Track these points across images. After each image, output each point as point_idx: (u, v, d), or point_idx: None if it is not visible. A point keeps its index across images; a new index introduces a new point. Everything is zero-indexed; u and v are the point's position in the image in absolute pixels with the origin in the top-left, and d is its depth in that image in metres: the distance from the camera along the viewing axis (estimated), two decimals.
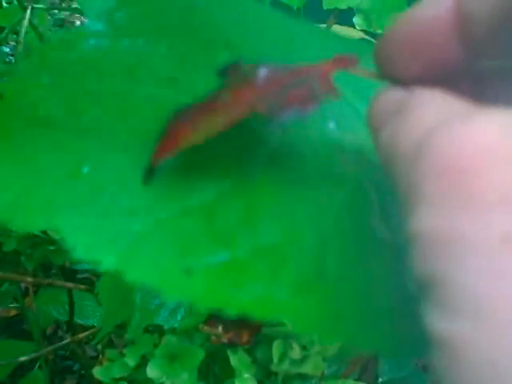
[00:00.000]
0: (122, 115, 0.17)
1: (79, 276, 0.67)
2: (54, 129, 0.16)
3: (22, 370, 0.63)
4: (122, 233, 0.14)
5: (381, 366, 0.55)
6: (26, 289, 0.60)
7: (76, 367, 0.68)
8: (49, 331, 0.70)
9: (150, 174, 0.15)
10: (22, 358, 0.46)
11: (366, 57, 0.15)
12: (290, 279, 0.15)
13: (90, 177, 0.15)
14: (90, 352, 0.65)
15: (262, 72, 0.16)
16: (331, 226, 0.16)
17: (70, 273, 0.65)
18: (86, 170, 0.15)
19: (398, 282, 0.16)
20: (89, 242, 0.14)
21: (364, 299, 0.15)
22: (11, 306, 0.63)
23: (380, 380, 0.55)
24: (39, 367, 0.57)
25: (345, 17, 0.62)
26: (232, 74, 0.17)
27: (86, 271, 0.67)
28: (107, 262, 0.14)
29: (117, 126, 0.16)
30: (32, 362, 0.62)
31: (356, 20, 0.63)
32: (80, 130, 0.16)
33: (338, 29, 0.63)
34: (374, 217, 0.16)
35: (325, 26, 0.61)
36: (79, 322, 0.57)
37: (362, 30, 0.60)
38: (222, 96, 0.15)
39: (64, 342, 0.48)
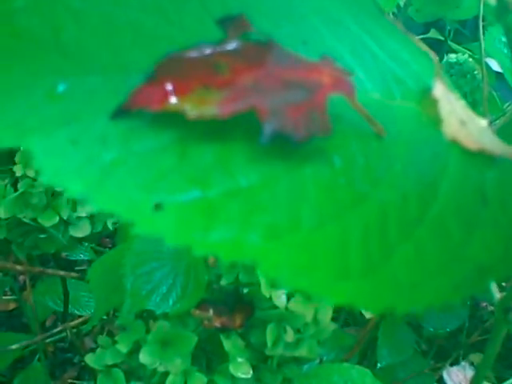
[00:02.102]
0: (105, 38, 0.16)
1: (78, 268, 0.67)
2: (31, 42, 0.15)
3: (23, 362, 0.63)
4: (93, 160, 0.14)
5: (379, 351, 0.54)
6: (24, 282, 0.60)
7: (76, 359, 0.68)
8: (48, 323, 0.70)
9: (121, 113, 0.15)
10: (13, 347, 0.46)
11: None
12: (263, 224, 0.14)
13: (65, 98, 0.15)
14: (90, 343, 0.65)
15: (272, 61, 0.16)
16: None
17: (67, 264, 0.65)
18: (61, 89, 0.15)
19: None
20: (58, 167, 0.14)
21: (338, 251, 0.15)
22: (9, 298, 0.64)
23: (379, 365, 0.54)
24: (38, 359, 0.57)
25: None
26: (233, 29, 0.16)
27: (84, 262, 0.67)
28: (74, 188, 0.13)
29: (98, 49, 0.16)
30: (32, 354, 0.62)
31: None
32: (59, 47, 0.15)
33: None
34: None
35: None
36: (76, 312, 0.57)
37: None
38: (221, 69, 0.15)
39: (55, 330, 0.48)
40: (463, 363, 0.53)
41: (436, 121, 0.19)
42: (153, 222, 0.13)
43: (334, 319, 0.40)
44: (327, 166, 0.15)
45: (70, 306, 0.58)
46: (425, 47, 0.21)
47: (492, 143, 0.20)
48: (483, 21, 0.48)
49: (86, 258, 0.61)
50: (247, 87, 0.15)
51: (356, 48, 0.20)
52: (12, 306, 0.69)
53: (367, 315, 0.51)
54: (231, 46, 0.15)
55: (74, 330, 0.57)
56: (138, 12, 0.16)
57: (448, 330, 0.58)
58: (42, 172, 0.13)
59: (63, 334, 0.58)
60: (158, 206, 0.13)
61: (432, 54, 0.21)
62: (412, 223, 0.16)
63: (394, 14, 0.63)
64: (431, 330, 0.59)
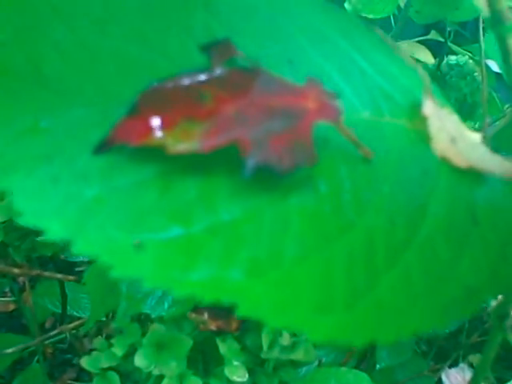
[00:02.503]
0: (88, 69, 0.16)
1: (78, 269, 0.67)
2: (11, 76, 0.15)
3: (22, 364, 0.63)
4: (74, 199, 0.14)
5: (378, 352, 0.54)
6: (24, 283, 0.60)
7: (76, 360, 0.68)
8: (48, 325, 0.70)
9: (103, 148, 0.14)
10: (9, 350, 0.46)
11: None
12: (245, 260, 0.14)
13: (47, 133, 0.14)
14: (90, 345, 0.65)
15: (257, 88, 0.15)
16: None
17: (67, 265, 0.65)
18: (43, 124, 0.14)
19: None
20: (37, 208, 0.13)
21: (322, 284, 0.15)
22: (9, 300, 0.64)
23: (378, 367, 0.54)
24: (37, 361, 0.57)
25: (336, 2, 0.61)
26: (217, 56, 0.16)
27: (84, 263, 0.67)
28: (54, 229, 0.13)
29: (81, 81, 0.15)
30: (31, 356, 0.62)
31: (347, 5, 0.62)
32: (41, 79, 0.15)
33: None
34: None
35: None
36: (76, 314, 0.57)
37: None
38: (205, 98, 0.15)
39: (54, 332, 0.48)
40: (462, 365, 0.53)
41: (425, 138, 0.19)
42: (132, 264, 0.13)
43: None
44: (312, 194, 0.15)
45: (69, 308, 0.58)
46: (412, 62, 0.21)
47: (484, 159, 0.20)
48: (483, 23, 0.47)
49: (85, 260, 0.61)
50: (230, 118, 0.14)
51: (344, 65, 0.20)
52: (12, 307, 0.69)
53: None
54: (215, 73, 0.15)
55: (74, 332, 0.57)
56: (121, 41, 0.16)
57: (447, 331, 0.58)
58: (21, 213, 0.13)
59: (62, 336, 0.58)
60: (138, 246, 0.13)
61: (420, 69, 0.21)
62: (399, 248, 0.16)
63: (394, 15, 0.62)
64: (430, 331, 0.59)
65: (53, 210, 0.13)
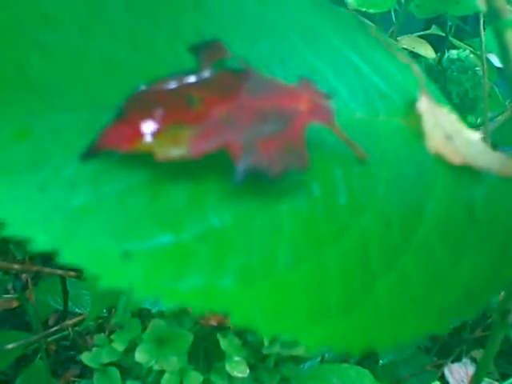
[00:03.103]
0: (74, 73, 0.15)
1: None
2: None
3: (26, 361, 0.63)
4: (61, 207, 0.13)
5: None
6: (27, 280, 0.60)
7: (79, 357, 0.68)
8: (51, 322, 0.70)
9: (90, 154, 0.14)
10: (10, 346, 0.46)
11: None
12: (236, 267, 0.14)
13: (33, 140, 0.14)
14: (93, 342, 0.65)
15: (247, 90, 0.15)
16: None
17: None
18: (30, 130, 0.14)
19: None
20: (24, 218, 0.13)
21: (316, 290, 0.14)
22: (12, 297, 0.64)
23: (381, 362, 0.54)
24: (40, 358, 0.58)
25: None
26: (206, 57, 0.16)
27: None
28: (41, 240, 0.13)
29: (67, 85, 0.15)
30: (34, 353, 0.62)
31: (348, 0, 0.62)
32: (26, 85, 0.15)
33: None
34: None
35: None
36: (78, 311, 0.57)
37: (354, 10, 0.59)
38: (194, 102, 0.14)
39: (54, 329, 0.48)
40: (465, 360, 0.53)
41: (420, 136, 0.19)
42: (120, 274, 0.13)
43: None
44: (305, 198, 0.15)
45: (71, 305, 0.58)
46: (407, 59, 0.20)
47: (481, 156, 0.19)
48: (484, 17, 0.47)
49: None
50: (220, 121, 0.14)
51: (338, 63, 0.19)
52: (15, 304, 0.69)
53: None
54: (204, 75, 0.15)
55: (77, 329, 0.58)
56: (108, 44, 0.15)
57: (451, 326, 0.58)
58: (7, 224, 0.12)
59: (66, 333, 0.59)
60: (126, 255, 0.13)
61: (415, 66, 0.20)
62: (396, 251, 0.16)
63: (395, 10, 0.62)
64: (430, 334, 0.59)
65: (39, 219, 0.13)
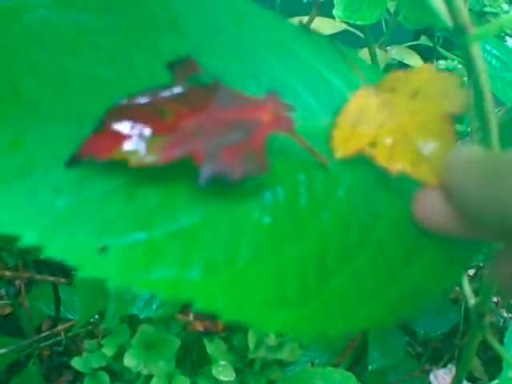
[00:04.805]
0: (62, 90, 0.17)
1: (73, 272, 0.68)
2: None
3: (19, 366, 0.64)
4: (47, 208, 0.15)
5: (370, 353, 0.55)
6: (20, 286, 0.61)
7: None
8: (44, 328, 0.71)
9: (74, 161, 0.16)
10: (2, 351, 0.47)
11: None
12: (201, 261, 0.15)
13: (24, 150, 0.16)
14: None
15: (216, 103, 0.16)
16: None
17: (63, 269, 0.66)
18: (22, 142, 0.16)
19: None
20: (13, 219, 0.15)
21: (274, 281, 0.16)
22: (5, 303, 0.65)
23: (370, 368, 0.55)
24: (33, 363, 0.58)
25: (325, 9, 0.62)
26: (180, 73, 0.17)
27: None
28: (28, 237, 0.15)
29: (55, 100, 0.17)
30: (28, 358, 0.63)
31: (336, 12, 0.63)
32: (18, 100, 0.16)
33: (320, 21, 0.64)
34: None
35: (307, 18, 0.62)
36: (70, 317, 0.58)
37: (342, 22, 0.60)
38: (166, 114, 0.16)
39: (45, 334, 0.49)
40: (450, 366, 0.54)
41: None
42: (97, 266, 0.14)
43: None
44: (268, 200, 0.16)
45: (64, 311, 0.59)
46: (357, 69, 0.21)
47: None
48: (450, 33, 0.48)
49: None
50: (189, 132, 0.16)
51: (309, 77, 0.21)
52: (8, 310, 0.70)
53: None
54: (177, 90, 0.16)
55: (70, 334, 0.58)
56: (92, 62, 0.17)
57: (439, 332, 0.59)
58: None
59: (59, 339, 0.59)
60: (102, 250, 0.14)
61: (360, 74, 0.21)
62: (352, 250, 0.17)
63: (385, 20, 0.63)
64: (422, 332, 0.60)
65: (27, 219, 0.15)
